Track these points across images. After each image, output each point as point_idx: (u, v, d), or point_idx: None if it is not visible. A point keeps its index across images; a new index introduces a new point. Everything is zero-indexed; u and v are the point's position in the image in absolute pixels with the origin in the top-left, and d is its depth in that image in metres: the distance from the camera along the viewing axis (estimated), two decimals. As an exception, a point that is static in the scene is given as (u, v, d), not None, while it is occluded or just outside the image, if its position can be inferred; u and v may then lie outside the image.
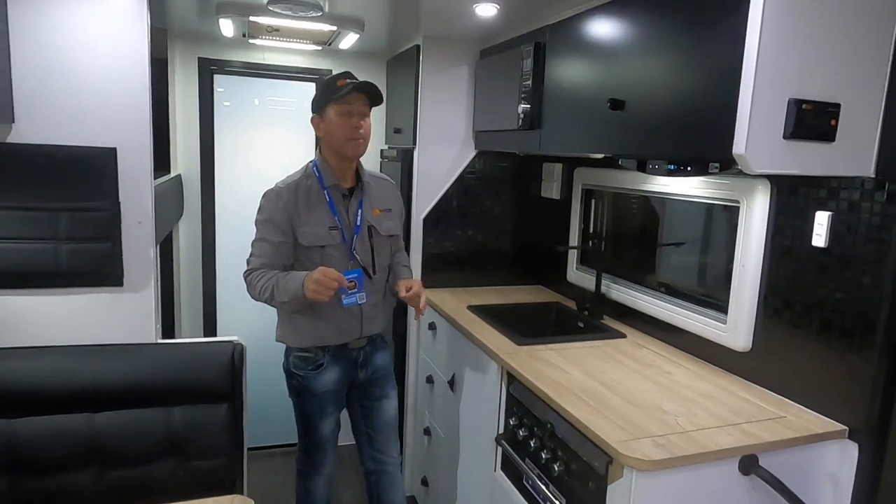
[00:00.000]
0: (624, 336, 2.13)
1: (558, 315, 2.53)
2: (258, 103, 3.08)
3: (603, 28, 1.78)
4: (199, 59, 2.84)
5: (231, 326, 3.05)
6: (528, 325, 2.34)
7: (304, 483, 2.24)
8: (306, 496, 2.26)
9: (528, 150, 2.28)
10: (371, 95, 1.88)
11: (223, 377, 1.93)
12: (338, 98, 1.84)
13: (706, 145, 1.41)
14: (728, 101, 1.29)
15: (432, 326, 2.57)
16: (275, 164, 3.03)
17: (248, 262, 1.93)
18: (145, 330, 1.93)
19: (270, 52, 2.93)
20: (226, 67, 2.90)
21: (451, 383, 2.32)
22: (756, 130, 1.26)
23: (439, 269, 2.76)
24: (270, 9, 2.11)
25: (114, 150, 1.82)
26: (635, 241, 2.39)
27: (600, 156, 2.15)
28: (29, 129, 1.73)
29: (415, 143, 2.67)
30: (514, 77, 2.22)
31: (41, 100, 1.73)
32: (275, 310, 2.02)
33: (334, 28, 2.34)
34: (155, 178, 2.37)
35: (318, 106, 1.91)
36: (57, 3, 1.71)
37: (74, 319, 1.85)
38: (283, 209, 1.87)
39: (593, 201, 2.53)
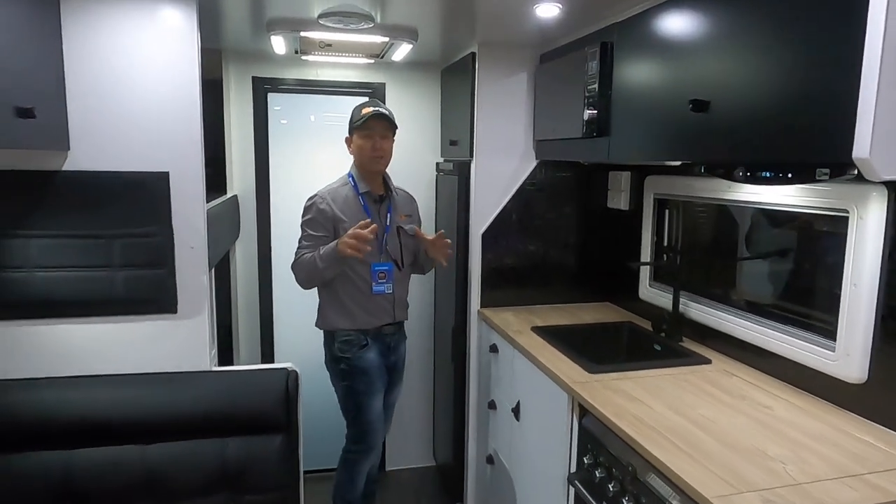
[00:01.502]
0: (709, 361, 1.92)
1: (632, 337, 2.33)
2: (314, 119, 3.03)
3: (681, 22, 1.60)
4: (254, 78, 2.82)
5: (289, 347, 3.00)
6: (600, 349, 2.17)
7: (351, 470, 2.32)
8: (351, 483, 2.32)
9: (596, 159, 2.11)
10: (389, 121, 2.21)
11: (278, 406, 1.86)
12: (358, 125, 2.20)
13: (814, 149, 1.21)
14: (845, 97, 1.09)
15: (494, 348, 2.42)
16: (331, 180, 2.98)
17: (295, 254, 2.20)
18: (200, 357, 1.88)
19: (323, 67, 2.88)
20: (279, 85, 2.87)
21: (516, 411, 2.16)
22: (882, 130, 1.06)
23: (500, 288, 2.62)
24: (321, 23, 2.04)
25: (166, 175, 1.78)
26: (716, 254, 2.17)
27: (677, 163, 1.96)
28: (83, 156, 1.72)
29: (472, 155, 2.54)
30: (578, 81, 2.06)
31: (95, 126, 1.72)
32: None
33: (386, 39, 2.25)
34: (210, 200, 2.35)
35: (350, 130, 2.27)
36: (107, 28, 1.69)
37: (129, 347, 1.82)
38: (325, 209, 2.17)
39: (667, 212, 2.33)
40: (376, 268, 2.21)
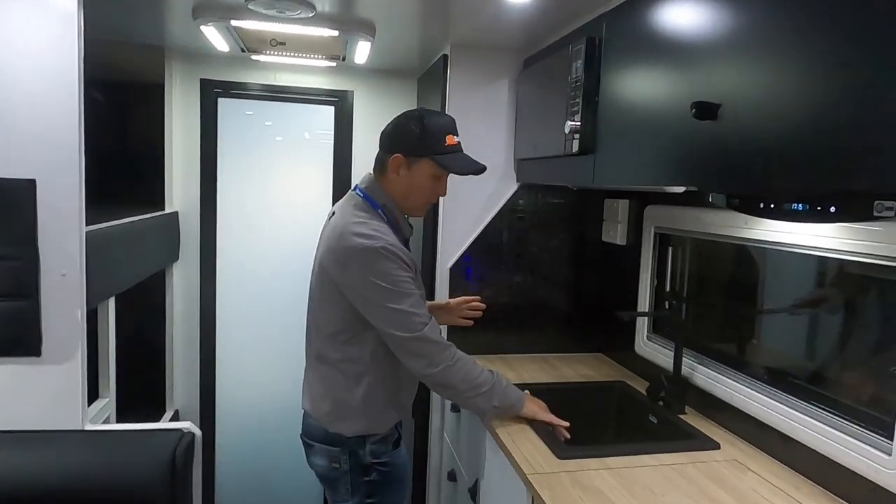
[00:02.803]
0: (717, 447, 1.49)
1: (622, 403, 1.90)
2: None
3: (686, 8, 1.22)
4: (202, 80, 2.49)
5: (234, 393, 2.60)
6: (581, 420, 1.73)
7: None
8: None
9: (579, 182, 1.71)
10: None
11: (158, 482, 1.45)
12: (440, 156, 1.53)
13: (873, 175, 0.81)
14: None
15: (455, 408, 2.00)
16: (292, 195, 2.64)
17: (423, 326, 1.48)
18: (69, 412, 1.50)
19: (283, 71, 2.54)
20: (232, 90, 2.53)
21: (473, 492, 1.74)
22: None
23: (470, 332, 2.16)
24: (251, 8, 1.70)
25: (32, 183, 1.42)
26: (729, 306, 1.75)
27: (680, 190, 1.55)
28: (-78, 156, 1.37)
29: (441, 175, 2.16)
30: (562, 87, 1.68)
31: (-62, 119, 1.37)
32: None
33: (336, 34, 1.90)
34: (137, 214, 2.02)
35: (412, 150, 1.54)
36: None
37: (-25, 398, 1.45)
38: (409, 261, 1.51)
39: (670, 250, 1.92)
40: None
